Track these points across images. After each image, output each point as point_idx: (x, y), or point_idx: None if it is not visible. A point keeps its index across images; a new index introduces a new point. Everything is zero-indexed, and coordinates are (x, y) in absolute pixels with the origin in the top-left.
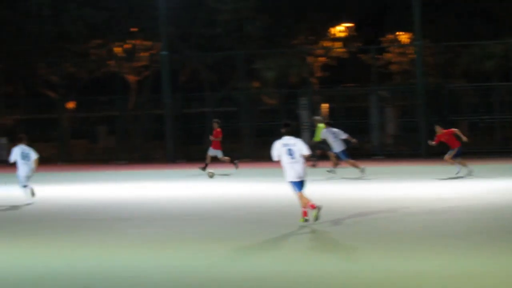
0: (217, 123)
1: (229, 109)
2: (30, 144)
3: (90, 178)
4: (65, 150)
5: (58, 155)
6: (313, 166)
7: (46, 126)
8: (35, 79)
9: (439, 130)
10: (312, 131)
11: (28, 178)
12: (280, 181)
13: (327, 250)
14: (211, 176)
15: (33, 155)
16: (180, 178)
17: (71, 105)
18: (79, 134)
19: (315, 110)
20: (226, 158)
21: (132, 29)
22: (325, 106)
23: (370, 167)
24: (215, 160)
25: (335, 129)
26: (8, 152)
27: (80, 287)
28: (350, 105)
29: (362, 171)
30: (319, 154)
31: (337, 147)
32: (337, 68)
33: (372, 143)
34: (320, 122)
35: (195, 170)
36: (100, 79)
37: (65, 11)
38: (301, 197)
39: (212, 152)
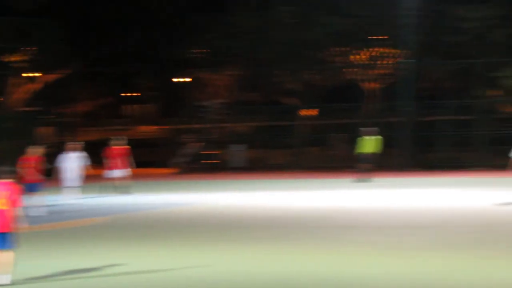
0: None
1: (463, 117)
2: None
3: (320, 185)
4: (299, 157)
5: (290, 162)
6: None
7: (282, 133)
8: (274, 87)
9: None
10: None
11: None
12: None
13: None
14: None
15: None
16: (416, 186)
17: (309, 112)
18: (316, 141)
19: None
20: None
21: (373, 37)
22: None
23: None
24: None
25: None
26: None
27: None
28: None
29: None
30: None
31: None
32: None
33: None
34: None
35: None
36: (338, 87)
37: (313, 18)
38: None
39: None
